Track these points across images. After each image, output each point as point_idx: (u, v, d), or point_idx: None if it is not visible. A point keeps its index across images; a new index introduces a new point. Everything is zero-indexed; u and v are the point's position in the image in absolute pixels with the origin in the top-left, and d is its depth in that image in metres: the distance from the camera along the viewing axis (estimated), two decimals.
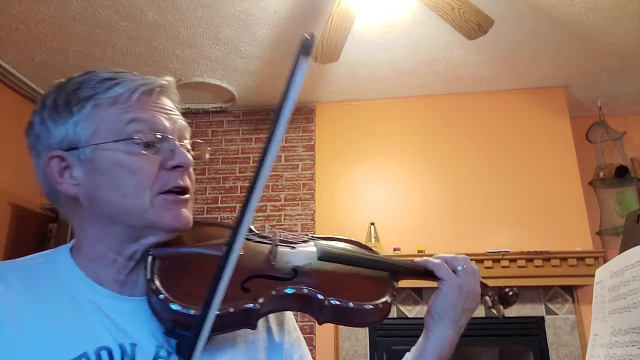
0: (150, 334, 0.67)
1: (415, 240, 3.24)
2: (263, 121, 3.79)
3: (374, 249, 3.11)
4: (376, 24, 2.81)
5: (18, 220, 3.38)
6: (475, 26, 2.35)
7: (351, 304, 0.72)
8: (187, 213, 0.72)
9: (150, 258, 0.69)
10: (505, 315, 0.88)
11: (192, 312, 0.62)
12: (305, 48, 0.51)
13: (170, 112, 0.74)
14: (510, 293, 0.89)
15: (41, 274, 0.69)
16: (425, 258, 0.84)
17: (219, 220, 3.50)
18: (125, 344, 0.65)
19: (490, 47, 3.01)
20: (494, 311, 0.88)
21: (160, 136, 0.70)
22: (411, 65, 3.25)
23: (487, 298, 0.88)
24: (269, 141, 0.50)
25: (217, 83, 3.40)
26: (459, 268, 0.82)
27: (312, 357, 0.85)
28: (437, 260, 0.83)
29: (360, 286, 0.78)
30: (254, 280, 0.71)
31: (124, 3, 2.61)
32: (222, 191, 3.61)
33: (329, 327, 3.14)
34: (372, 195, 3.48)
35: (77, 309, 0.66)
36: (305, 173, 3.59)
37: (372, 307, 0.73)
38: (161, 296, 0.64)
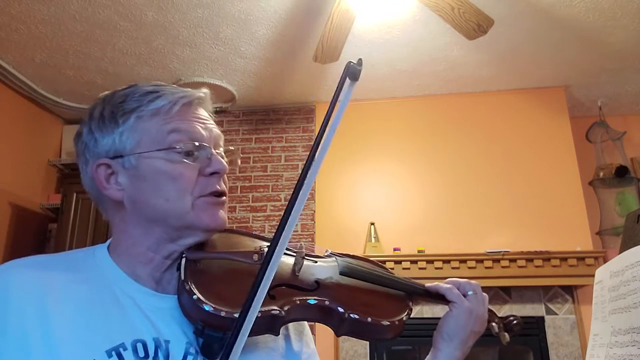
0: (182, 331, 0.71)
1: (415, 240, 3.24)
2: (263, 121, 3.79)
3: (373, 248, 3.12)
4: (376, 24, 2.81)
5: (18, 220, 3.38)
6: (475, 26, 2.35)
7: (369, 319, 0.75)
8: (223, 214, 0.78)
9: (184, 260, 0.73)
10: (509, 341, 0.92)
11: (223, 313, 0.66)
12: (353, 73, 0.52)
13: (206, 122, 0.79)
14: (515, 322, 0.93)
15: (83, 267, 0.74)
16: (437, 283, 0.87)
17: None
18: (159, 339, 0.69)
19: (490, 47, 3.01)
20: (500, 337, 0.91)
21: (198, 145, 0.75)
22: (411, 65, 3.25)
23: (494, 324, 0.91)
24: (310, 160, 0.51)
25: (217, 83, 3.40)
26: (470, 293, 0.85)
27: None
28: (448, 285, 0.86)
29: (379, 303, 0.81)
30: (279, 289, 0.74)
31: (124, 3, 2.61)
32: None
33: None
34: (372, 195, 3.48)
35: (116, 301, 0.70)
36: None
37: (388, 323, 0.76)
38: (194, 297, 0.67)
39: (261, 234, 0.88)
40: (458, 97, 3.61)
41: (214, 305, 0.65)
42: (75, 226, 3.39)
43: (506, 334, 0.92)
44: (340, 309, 0.75)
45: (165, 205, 0.73)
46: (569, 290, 3.13)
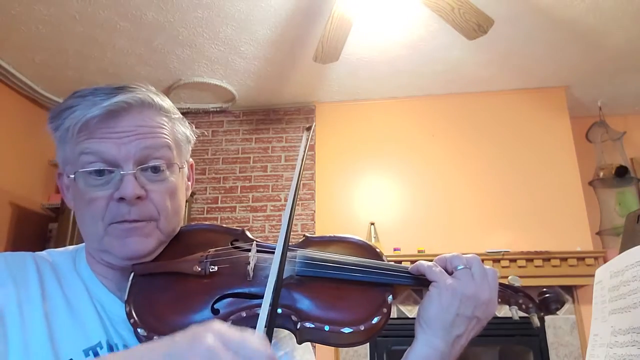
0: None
1: (415, 240, 3.24)
2: (263, 121, 3.79)
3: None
4: (376, 24, 2.81)
5: (18, 220, 3.38)
6: (475, 26, 2.35)
7: (327, 328, 0.66)
8: (138, 242, 0.71)
9: (132, 275, 0.71)
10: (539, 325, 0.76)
11: (156, 337, 0.64)
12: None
13: (124, 136, 0.70)
14: (552, 299, 0.76)
15: (66, 271, 0.75)
16: (420, 262, 0.74)
17: (218, 221, 3.51)
18: (119, 345, 0.71)
19: (490, 47, 3.01)
20: (531, 320, 0.77)
21: (106, 167, 0.70)
22: (411, 65, 3.25)
23: (514, 309, 0.76)
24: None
25: (217, 83, 3.40)
26: (459, 267, 0.71)
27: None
28: (431, 263, 0.73)
29: (344, 304, 0.70)
30: (226, 300, 0.68)
31: (124, 3, 2.61)
32: (222, 191, 3.61)
33: None
34: (372, 195, 3.48)
35: (91, 305, 0.72)
36: (305, 173, 3.59)
37: (351, 331, 0.66)
38: (132, 320, 0.66)
39: (234, 228, 0.82)
40: (458, 97, 3.60)
41: (148, 330, 0.65)
42: (76, 226, 3.39)
43: (536, 315, 0.76)
44: (294, 318, 0.66)
45: (86, 227, 0.73)
46: (569, 290, 3.13)
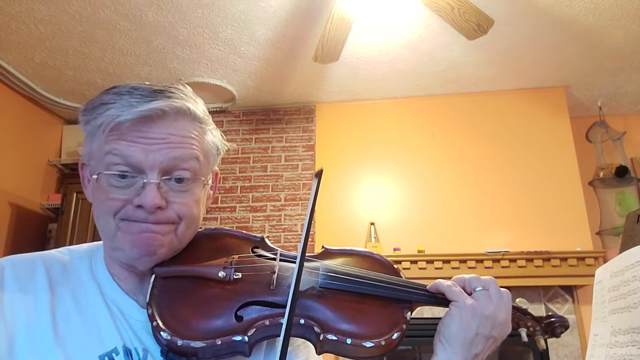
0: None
1: (415, 240, 3.24)
2: (263, 121, 3.79)
3: (374, 248, 3.11)
4: (376, 23, 2.81)
5: (18, 220, 3.38)
6: (475, 26, 2.35)
7: (349, 341, 0.67)
8: (150, 239, 0.69)
9: (153, 277, 0.71)
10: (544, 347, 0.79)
11: (180, 342, 0.64)
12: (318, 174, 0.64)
13: (154, 143, 0.69)
14: (557, 324, 0.79)
15: (81, 273, 0.74)
16: (438, 281, 0.76)
17: (218, 221, 3.51)
18: (139, 349, 0.70)
19: (490, 47, 3.01)
20: (536, 342, 0.80)
21: (130, 172, 0.68)
22: (411, 65, 3.25)
23: (523, 331, 0.79)
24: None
25: (217, 83, 3.40)
26: (478, 289, 0.75)
27: None
28: (450, 282, 0.76)
29: (366, 318, 0.71)
30: (250, 308, 0.68)
31: (124, 3, 2.61)
32: (222, 191, 3.61)
33: None
34: (372, 195, 3.48)
35: (107, 309, 0.71)
36: (305, 173, 3.59)
37: (372, 345, 0.68)
38: (154, 323, 0.66)
39: (254, 235, 0.81)
40: (458, 97, 3.60)
41: (171, 333, 0.64)
42: (75, 226, 3.39)
43: (542, 339, 0.79)
44: (316, 329, 0.67)
45: (98, 222, 0.71)
46: (569, 290, 3.13)
